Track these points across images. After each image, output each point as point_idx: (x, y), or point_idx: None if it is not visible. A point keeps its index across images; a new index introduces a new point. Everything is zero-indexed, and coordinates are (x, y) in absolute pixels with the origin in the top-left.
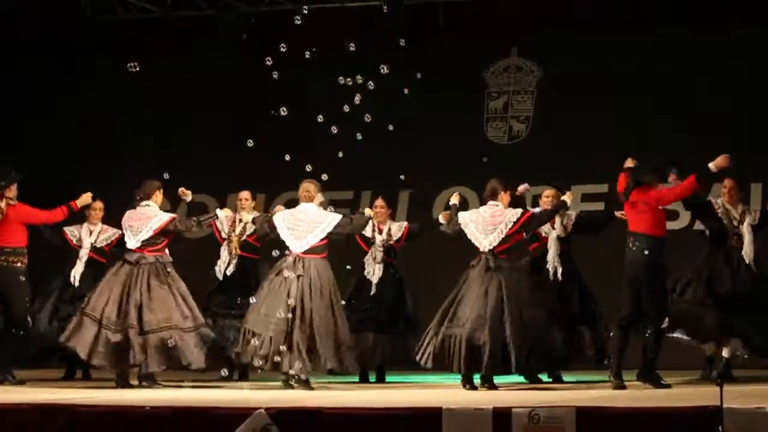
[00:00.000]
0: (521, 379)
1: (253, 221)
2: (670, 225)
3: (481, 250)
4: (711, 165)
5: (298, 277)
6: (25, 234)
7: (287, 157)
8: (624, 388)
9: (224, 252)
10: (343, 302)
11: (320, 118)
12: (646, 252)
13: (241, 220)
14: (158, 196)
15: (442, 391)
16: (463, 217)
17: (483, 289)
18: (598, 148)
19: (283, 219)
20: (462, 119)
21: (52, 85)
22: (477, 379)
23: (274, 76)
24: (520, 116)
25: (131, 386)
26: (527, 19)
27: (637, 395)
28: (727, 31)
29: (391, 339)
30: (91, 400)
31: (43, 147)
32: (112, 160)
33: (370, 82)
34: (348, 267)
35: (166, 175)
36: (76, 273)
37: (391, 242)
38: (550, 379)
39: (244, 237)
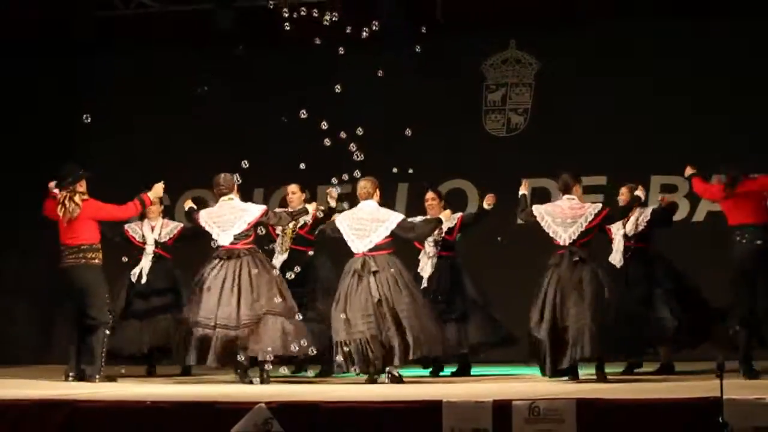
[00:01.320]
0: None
1: (320, 229)
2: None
3: (561, 243)
4: None
5: (375, 273)
6: (98, 230)
7: (245, 164)
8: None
9: (277, 247)
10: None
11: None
12: (759, 242)
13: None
14: (236, 189)
15: (443, 384)
16: (539, 210)
17: (577, 281)
18: (597, 141)
19: (345, 220)
20: (460, 112)
21: (50, 81)
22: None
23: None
24: (518, 109)
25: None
26: (526, 11)
27: (637, 387)
28: (731, 22)
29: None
30: (92, 395)
31: (41, 143)
32: (111, 156)
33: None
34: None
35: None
36: (144, 270)
37: (443, 235)
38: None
39: (295, 231)
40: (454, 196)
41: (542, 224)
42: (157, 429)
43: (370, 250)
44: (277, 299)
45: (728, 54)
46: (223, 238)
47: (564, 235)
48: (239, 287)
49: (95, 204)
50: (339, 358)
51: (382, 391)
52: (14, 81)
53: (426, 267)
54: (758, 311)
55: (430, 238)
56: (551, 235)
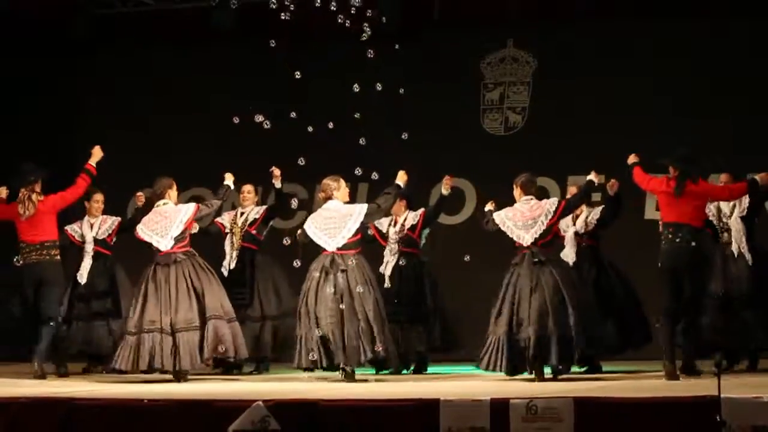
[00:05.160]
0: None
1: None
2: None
3: (525, 244)
4: (757, 177)
5: (343, 272)
6: (56, 226)
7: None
8: (677, 378)
9: (228, 247)
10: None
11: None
12: (693, 243)
13: (242, 213)
14: (171, 193)
15: (440, 383)
16: (499, 216)
17: (535, 284)
18: (594, 139)
19: (312, 223)
20: (458, 111)
21: (50, 80)
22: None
23: (297, 75)
24: (516, 107)
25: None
26: (523, 9)
27: (635, 385)
28: (731, 22)
29: (409, 331)
30: (89, 393)
31: (42, 140)
32: (110, 154)
33: (355, 86)
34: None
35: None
36: (84, 269)
37: (405, 232)
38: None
39: (245, 228)
40: (452, 195)
41: (504, 230)
42: (155, 427)
43: (340, 249)
44: (218, 303)
45: (728, 54)
46: (163, 243)
47: (527, 236)
48: (186, 290)
49: (51, 198)
50: (302, 351)
51: (380, 390)
52: (13, 80)
53: (388, 267)
54: (683, 311)
55: (393, 235)
56: (515, 239)
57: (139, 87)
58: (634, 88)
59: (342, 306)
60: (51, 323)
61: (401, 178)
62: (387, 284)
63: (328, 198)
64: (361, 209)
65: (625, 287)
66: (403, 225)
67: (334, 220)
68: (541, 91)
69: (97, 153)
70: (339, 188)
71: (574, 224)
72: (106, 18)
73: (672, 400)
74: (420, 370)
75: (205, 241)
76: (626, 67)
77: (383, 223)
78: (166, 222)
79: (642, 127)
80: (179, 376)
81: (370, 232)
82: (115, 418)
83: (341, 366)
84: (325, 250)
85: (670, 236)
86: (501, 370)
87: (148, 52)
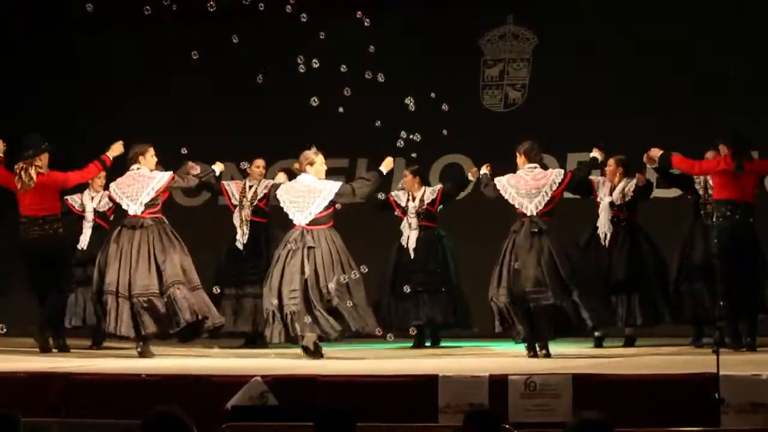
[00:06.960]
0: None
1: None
2: (663, 193)
3: (528, 214)
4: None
5: (310, 248)
6: (59, 201)
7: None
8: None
9: (237, 221)
10: (363, 268)
11: (310, 64)
12: (751, 219)
13: (251, 187)
14: (145, 158)
15: (439, 359)
16: (500, 182)
17: (534, 254)
18: (595, 116)
19: (285, 192)
20: (458, 87)
21: (43, 57)
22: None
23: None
24: (516, 84)
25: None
26: None
27: (633, 362)
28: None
29: (432, 300)
30: (87, 368)
31: (40, 120)
32: (108, 130)
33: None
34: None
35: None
36: (84, 238)
37: (425, 207)
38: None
39: (255, 202)
40: (452, 171)
41: (506, 196)
42: (153, 402)
43: (310, 224)
44: (178, 270)
45: (733, 33)
46: (133, 207)
47: (530, 205)
48: (147, 256)
49: (55, 175)
50: (266, 327)
51: (379, 366)
52: (11, 61)
53: (411, 239)
54: (738, 286)
55: (412, 210)
56: (516, 206)
57: (133, 62)
58: (634, 66)
59: (307, 285)
60: (59, 293)
61: (386, 165)
62: (412, 256)
63: (302, 171)
64: (332, 188)
65: (658, 264)
66: (422, 200)
67: (302, 195)
68: (541, 68)
69: (116, 148)
70: (314, 163)
71: (611, 194)
72: None
73: (671, 377)
74: (435, 342)
75: (212, 215)
76: (627, 44)
77: (401, 197)
78: (138, 186)
79: (642, 104)
80: (144, 347)
81: (385, 200)
82: (113, 392)
83: (302, 344)
84: (294, 224)
85: (728, 213)
86: (518, 339)
87: (141, 28)
